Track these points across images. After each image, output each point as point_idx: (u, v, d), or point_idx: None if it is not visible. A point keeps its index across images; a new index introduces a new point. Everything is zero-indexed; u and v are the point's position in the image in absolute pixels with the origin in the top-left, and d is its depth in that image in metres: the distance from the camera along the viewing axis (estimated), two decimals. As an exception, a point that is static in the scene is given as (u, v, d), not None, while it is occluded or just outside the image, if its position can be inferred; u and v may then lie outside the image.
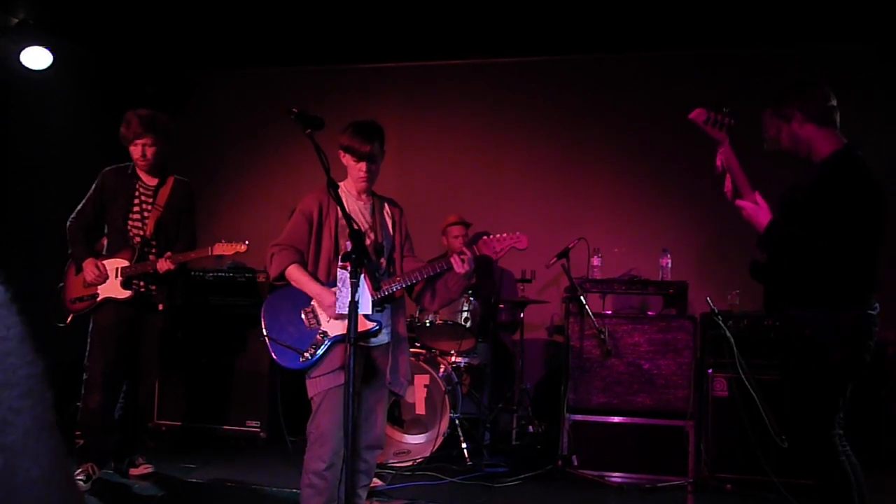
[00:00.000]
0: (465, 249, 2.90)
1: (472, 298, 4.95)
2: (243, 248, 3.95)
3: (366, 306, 2.74)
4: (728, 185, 2.84)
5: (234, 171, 6.74)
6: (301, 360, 2.95)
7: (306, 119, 2.67)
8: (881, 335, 4.83)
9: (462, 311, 4.90)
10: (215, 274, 5.61)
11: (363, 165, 3.03)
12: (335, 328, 2.95)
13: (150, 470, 4.15)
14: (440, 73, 6.49)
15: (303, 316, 3.01)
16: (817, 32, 5.44)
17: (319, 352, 2.94)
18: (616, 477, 4.51)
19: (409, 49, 6.17)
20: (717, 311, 4.49)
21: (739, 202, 2.81)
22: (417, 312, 4.97)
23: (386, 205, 3.22)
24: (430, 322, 4.89)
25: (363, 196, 3.13)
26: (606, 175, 6.18)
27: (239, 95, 6.76)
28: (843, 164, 2.73)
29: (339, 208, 2.97)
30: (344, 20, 5.64)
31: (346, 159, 3.07)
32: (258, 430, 5.21)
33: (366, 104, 6.34)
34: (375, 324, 2.94)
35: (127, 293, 4.03)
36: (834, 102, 2.81)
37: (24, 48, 5.19)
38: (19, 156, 5.42)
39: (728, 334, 4.34)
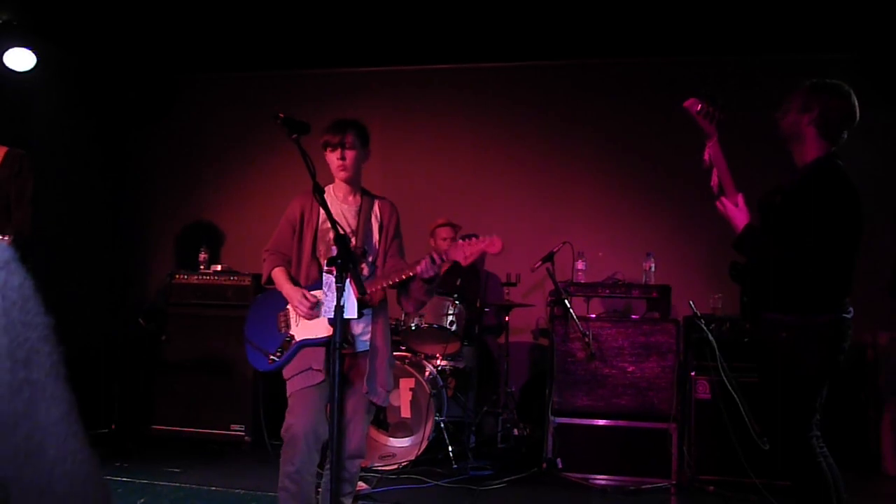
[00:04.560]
0: (433, 255, 2.84)
1: (457, 302, 4.96)
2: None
3: (351, 311, 2.72)
4: (714, 179, 2.86)
5: (220, 175, 6.71)
6: (268, 362, 2.99)
7: (292, 124, 2.66)
8: (861, 338, 4.96)
9: (447, 315, 4.91)
10: (200, 277, 5.60)
11: (338, 153, 3.02)
12: (303, 332, 2.96)
13: None
14: (426, 78, 6.51)
15: (278, 319, 3.04)
16: (800, 41, 5.50)
17: (286, 355, 2.96)
18: (600, 479, 4.54)
19: (395, 54, 6.19)
20: (699, 314, 4.54)
21: (721, 200, 2.84)
22: (403, 316, 4.98)
23: (376, 205, 3.17)
24: (415, 325, 4.89)
25: (349, 198, 3.11)
26: (591, 179, 6.22)
27: (224, 100, 6.73)
28: (825, 171, 2.78)
29: (321, 212, 2.98)
30: (331, 25, 5.65)
31: (326, 154, 3.06)
32: (242, 433, 5.20)
33: (353, 108, 6.31)
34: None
35: None
36: (850, 124, 2.82)
37: (7, 49, 5.16)
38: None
39: (710, 337, 4.39)
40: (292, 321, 3.01)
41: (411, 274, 2.87)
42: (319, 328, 2.92)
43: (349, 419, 2.97)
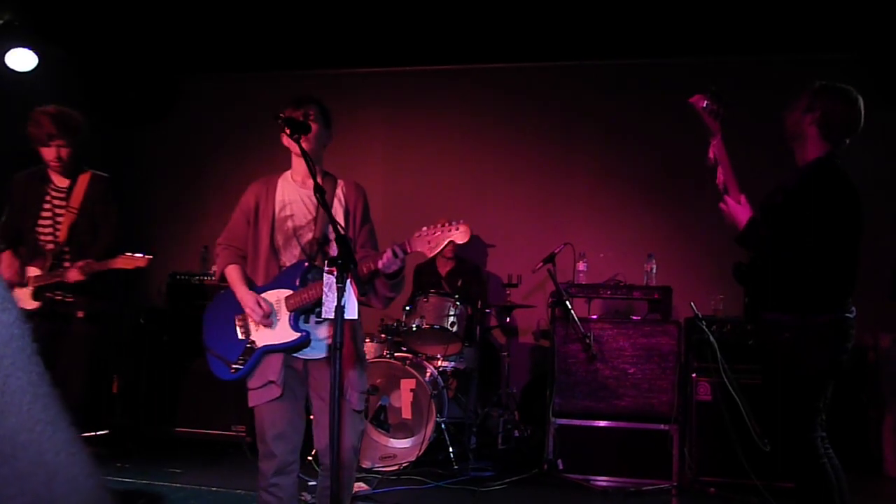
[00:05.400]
0: (394, 248, 2.59)
1: (458, 303, 4.96)
2: (143, 262, 3.76)
3: (352, 311, 2.55)
4: (720, 177, 2.85)
5: (220, 176, 6.71)
6: (231, 371, 2.77)
7: (293, 125, 2.66)
8: (862, 339, 4.95)
9: (448, 316, 4.91)
10: (201, 278, 5.60)
11: None
12: (264, 338, 2.75)
13: None
14: (427, 79, 6.52)
15: (236, 323, 2.82)
16: (800, 41, 5.51)
17: (249, 363, 2.75)
18: (601, 481, 4.53)
19: (396, 54, 6.19)
20: (700, 315, 4.53)
21: (724, 200, 2.84)
22: (404, 317, 4.97)
23: (340, 187, 2.90)
24: (416, 326, 4.89)
25: (308, 181, 2.78)
26: (592, 181, 6.22)
27: (224, 100, 6.74)
28: (823, 170, 2.78)
29: (277, 199, 2.82)
30: (331, 25, 5.65)
31: (286, 137, 2.71)
32: (244, 434, 5.19)
33: (353, 109, 6.36)
34: (300, 334, 2.71)
35: (35, 304, 3.85)
36: (853, 130, 2.81)
37: (8, 49, 5.17)
38: (1, 158, 5.37)
39: (712, 339, 4.39)
40: (252, 326, 2.79)
41: (373, 268, 2.63)
42: (282, 333, 2.73)
43: (317, 425, 2.77)
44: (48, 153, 3.94)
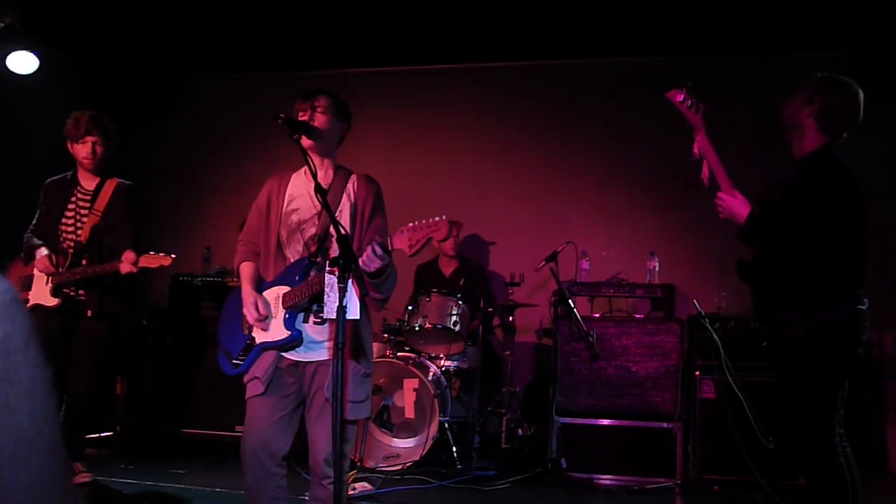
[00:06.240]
0: (374, 245, 2.48)
1: (461, 302, 4.96)
2: (167, 261, 3.81)
3: (353, 311, 2.49)
4: (705, 171, 2.81)
5: (220, 176, 6.71)
6: (232, 366, 2.76)
7: (294, 124, 2.65)
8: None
9: (451, 315, 4.91)
10: (203, 279, 5.61)
11: (307, 115, 2.75)
12: (262, 334, 2.73)
13: (88, 479, 4.01)
14: (427, 78, 6.51)
15: (243, 319, 2.80)
16: (801, 40, 5.50)
17: (249, 359, 2.72)
18: (604, 479, 4.53)
19: (396, 54, 6.19)
20: (703, 313, 4.53)
21: (719, 195, 2.80)
22: (406, 317, 4.97)
23: (351, 183, 2.83)
24: (419, 326, 4.89)
25: (318, 173, 2.70)
26: (594, 179, 6.21)
27: (224, 100, 6.74)
28: (821, 162, 2.75)
29: (287, 195, 2.81)
30: (332, 26, 5.65)
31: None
32: (247, 435, 5.19)
33: (354, 109, 6.34)
34: (290, 333, 2.67)
35: (55, 301, 3.92)
36: (852, 123, 2.79)
37: (9, 52, 5.17)
38: (2, 160, 5.38)
39: (715, 336, 4.38)
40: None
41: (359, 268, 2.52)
42: (275, 331, 2.70)
43: (311, 427, 2.69)
44: (82, 149, 4.07)
